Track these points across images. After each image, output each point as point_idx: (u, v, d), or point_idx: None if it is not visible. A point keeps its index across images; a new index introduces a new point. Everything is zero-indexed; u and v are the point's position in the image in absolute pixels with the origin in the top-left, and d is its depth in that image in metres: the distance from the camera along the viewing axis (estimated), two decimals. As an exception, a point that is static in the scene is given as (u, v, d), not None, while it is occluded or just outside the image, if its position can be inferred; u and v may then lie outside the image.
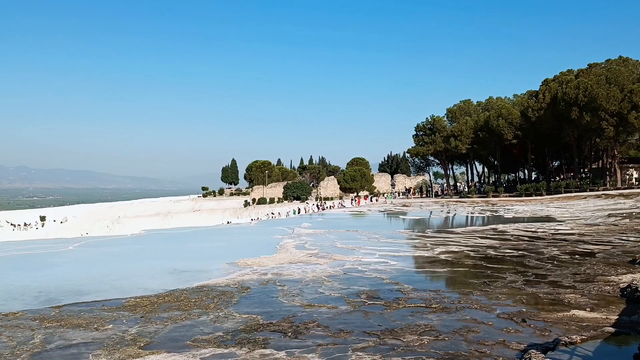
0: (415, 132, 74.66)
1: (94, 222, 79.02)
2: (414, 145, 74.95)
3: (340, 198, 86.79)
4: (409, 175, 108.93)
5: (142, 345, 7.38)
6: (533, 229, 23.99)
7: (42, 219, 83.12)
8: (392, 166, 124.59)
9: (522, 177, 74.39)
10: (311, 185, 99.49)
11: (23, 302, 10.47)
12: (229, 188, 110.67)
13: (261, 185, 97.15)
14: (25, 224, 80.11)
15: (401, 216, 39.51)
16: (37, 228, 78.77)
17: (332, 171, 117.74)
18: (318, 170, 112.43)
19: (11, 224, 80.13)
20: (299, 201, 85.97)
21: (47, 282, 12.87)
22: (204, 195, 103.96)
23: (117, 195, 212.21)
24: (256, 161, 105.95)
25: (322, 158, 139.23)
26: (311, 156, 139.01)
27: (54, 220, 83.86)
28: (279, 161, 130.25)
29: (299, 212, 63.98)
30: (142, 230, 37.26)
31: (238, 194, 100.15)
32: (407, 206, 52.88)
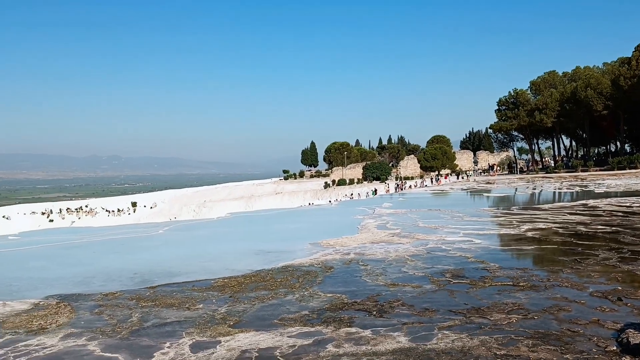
0: (497, 107, 72.52)
1: (181, 206, 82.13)
2: (496, 120, 72.89)
3: (421, 177, 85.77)
4: (492, 152, 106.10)
5: (231, 323, 7.62)
6: (627, 204, 22.80)
7: (134, 204, 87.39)
8: (474, 143, 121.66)
9: (613, 150, 70.69)
10: (390, 165, 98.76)
11: (120, 283, 11.06)
12: (309, 170, 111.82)
13: (340, 167, 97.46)
14: (118, 210, 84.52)
15: (485, 194, 38.58)
16: (129, 213, 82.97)
17: (412, 150, 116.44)
18: (397, 150, 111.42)
19: (106, 210, 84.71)
20: (378, 181, 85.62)
21: (141, 264, 13.52)
22: (285, 178, 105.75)
23: (201, 181, 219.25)
24: (334, 143, 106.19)
25: (401, 137, 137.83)
26: (390, 136, 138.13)
27: (144, 206, 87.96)
28: (357, 142, 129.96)
29: (376, 193, 63.71)
30: (227, 213, 38.40)
31: (318, 176, 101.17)
32: (490, 183, 51.58)
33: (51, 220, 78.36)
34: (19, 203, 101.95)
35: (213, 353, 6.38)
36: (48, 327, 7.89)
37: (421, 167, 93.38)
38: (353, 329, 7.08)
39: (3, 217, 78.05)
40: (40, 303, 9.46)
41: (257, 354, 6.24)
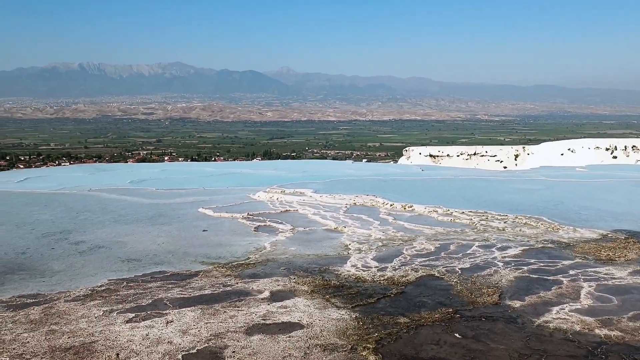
0: None
1: None
2: None
3: None
4: None
5: None
6: None
7: None
8: None
9: None
10: None
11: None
12: None
13: None
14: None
15: None
16: None
17: None
18: None
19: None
20: None
21: None
22: None
23: None
24: None
25: None
26: None
27: None
28: None
29: None
30: None
31: None
32: None
33: (615, 157, 77.51)
34: (584, 137, 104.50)
35: None
36: (616, 259, 7.91)
37: None
38: None
39: (568, 149, 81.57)
40: (608, 235, 9.54)
41: None
